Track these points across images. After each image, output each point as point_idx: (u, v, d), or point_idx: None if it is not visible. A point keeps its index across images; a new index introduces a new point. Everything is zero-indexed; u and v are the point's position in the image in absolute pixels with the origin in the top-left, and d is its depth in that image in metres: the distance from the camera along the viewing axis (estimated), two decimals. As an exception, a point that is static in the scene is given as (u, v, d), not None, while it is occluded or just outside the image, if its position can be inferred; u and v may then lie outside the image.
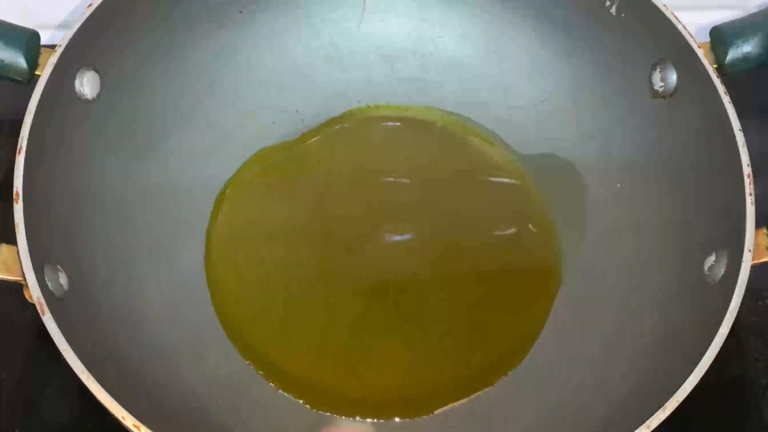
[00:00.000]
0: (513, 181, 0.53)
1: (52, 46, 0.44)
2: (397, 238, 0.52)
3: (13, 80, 0.45)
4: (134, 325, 0.45)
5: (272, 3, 0.53)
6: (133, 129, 0.49)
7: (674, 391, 0.37)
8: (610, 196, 0.52)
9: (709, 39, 0.47)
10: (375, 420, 0.46)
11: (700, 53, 0.45)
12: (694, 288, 0.44)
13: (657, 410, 0.37)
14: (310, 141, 0.54)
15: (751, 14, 0.48)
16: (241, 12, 0.53)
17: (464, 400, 0.47)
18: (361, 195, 0.53)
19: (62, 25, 0.55)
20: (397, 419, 0.46)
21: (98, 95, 0.47)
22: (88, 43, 0.45)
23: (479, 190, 0.53)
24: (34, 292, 0.38)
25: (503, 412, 0.46)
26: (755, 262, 0.40)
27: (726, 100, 0.44)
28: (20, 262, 0.39)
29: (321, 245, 0.51)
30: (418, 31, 0.56)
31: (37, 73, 0.44)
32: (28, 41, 0.44)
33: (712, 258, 0.43)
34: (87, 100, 0.46)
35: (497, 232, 0.52)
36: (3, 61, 0.44)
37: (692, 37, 0.46)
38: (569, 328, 0.49)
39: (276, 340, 0.48)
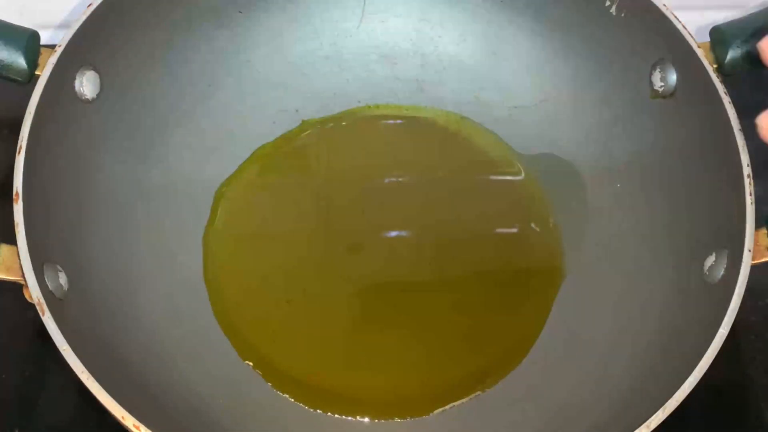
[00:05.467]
0: (513, 180, 0.53)
1: (52, 46, 0.44)
2: (397, 237, 0.52)
3: (13, 80, 0.44)
4: (134, 324, 0.45)
5: (272, 3, 0.53)
6: (133, 129, 0.50)
7: (674, 392, 0.37)
8: (610, 196, 0.52)
9: (709, 39, 0.47)
10: (374, 420, 0.46)
11: (700, 53, 0.45)
12: (694, 288, 0.44)
13: (657, 410, 0.37)
14: (309, 140, 0.54)
15: (751, 14, 0.48)
16: (241, 12, 0.53)
17: (464, 400, 0.47)
18: (361, 194, 0.53)
19: (62, 25, 0.55)
20: (397, 419, 0.46)
21: (98, 95, 0.47)
22: (88, 43, 0.45)
23: (479, 190, 0.53)
24: (34, 292, 0.38)
25: (503, 412, 0.46)
26: (755, 262, 0.40)
27: (726, 100, 0.44)
28: (20, 262, 0.39)
29: (320, 245, 0.51)
30: (418, 31, 0.56)
31: (37, 73, 0.44)
32: (28, 41, 0.44)
33: (712, 258, 0.43)
34: (87, 100, 0.46)
35: (497, 232, 0.52)
36: (3, 61, 0.44)
37: (692, 37, 0.46)
38: (569, 327, 0.49)
39: (275, 339, 0.48)
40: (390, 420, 0.46)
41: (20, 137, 0.41)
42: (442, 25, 0.55)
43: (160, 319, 0.47)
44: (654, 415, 0.37)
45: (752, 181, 0.42)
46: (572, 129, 0.54)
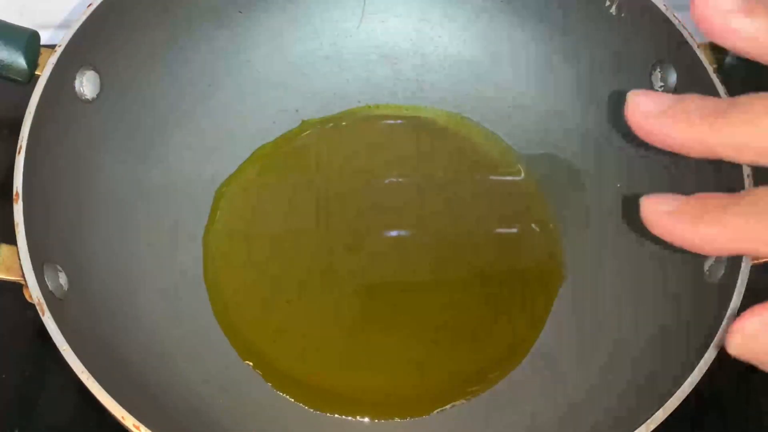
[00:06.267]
0: (513, 180, 0.53)
1: (52, 46, 0.44)
2: (397, 237, 0.52)
3: (13, 80, 0.44)
4: (134, 324, 0.45)
5: (272, 3, 0.53)
6: (133, 129, 0.49)
7: (674, 392, 0.37)
8: (610, 196, 0.51)
9: (709, 39, 0.47)
10: (374, 420, 0.46)
11: (700, 53, 0.45)
12: (694, 288, 0.44)
13: (657, 410, 0.37)
14: (309, 140, 0.54)
15: (752, 14, 0.48)
16: (241, 12, 0.53)
17: (464, 400, 0.47)
18: (361, 194, 0.52)
19: (62, 25, 0.55)
20: (396, 419, 0.46)
21: (98, 95, 0.47)
22: (88, 43, 0.45)
23: (479, 190, 0.53)
24: (34, 292, 0.38)
25: (503, 412, 0.46)
26: (755, 262, 0.40)
27: None
28: (20, 262, 0.38)
29: (320, 245, 0.51)
30: (418, 31, 0.56)
31: (37, 73, 0.44)
32: (28, 41, 0.44)
33: (712, 258, 0.43)
34: (87, 100, 0.46)
35: (497, 232, 0.52)
36: (3, 61, 0.44)
37: (692, 37, 0.46)
38: (569, 328, 0.49)
39: (275, 339, 0.48)
40: (390, 420, 0.46)
41: (20, 137, 0.41)
42: (442, 25, 0.55)
43: (160, 319, 0.47)
44: (653, 416, 0.37)
45: (752, 181, 0.42)
46: (572, 129, 0.54)
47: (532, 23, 0.54)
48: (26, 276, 0.38)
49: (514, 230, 0.52)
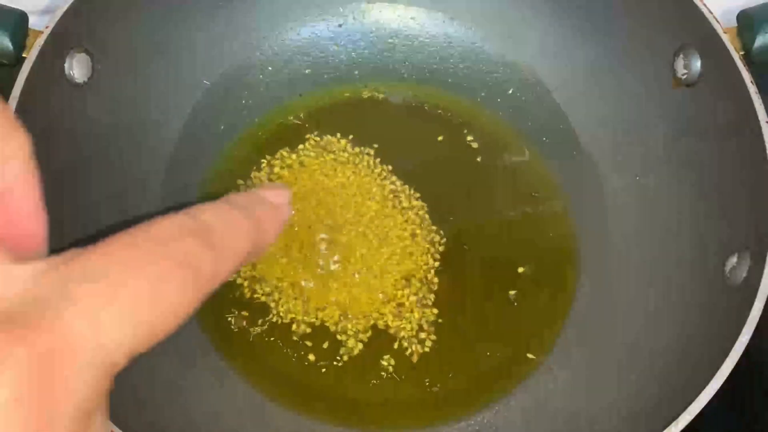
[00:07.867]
0: (526, 170, 0.51)
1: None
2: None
3: (-1, 63, 0.43)
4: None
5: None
6: (127, 115, 0.47)
7: (688, 405, 0.35)
8: (628, 189, 0.49)
9: (736, 24, 0.45)
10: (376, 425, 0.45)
11: (726, 39, 0.43)
12: (714, 290, 0.41)
13: (669, 425, 0.35)
14: (311, 127, 0.52)
15: (782, -2, 0.45)
16: None
17: (472, 407, 0.45)
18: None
19: (47, 10, 0.53)
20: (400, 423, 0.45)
21: (89, 78, 0.45)
22: (79, 23, 0.43)
23: (489, 180, 0.51)
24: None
25: (512, 421, 0.44)
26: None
27: (753, 90, 0.41)
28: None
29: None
30: (428, 14, 0.54)
31: (24, 55, 0.42)
32: (15, 22, 0.43)
33: (734, 259, 0.41)
34: (77, 84, 0.44)
35: (511, 230, 0.49)
36: (-12, 42, 0.42)
37: (717, 21, 0.43)
38: (583, 332, 0.46)
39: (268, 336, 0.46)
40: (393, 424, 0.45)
41: (1, 124, 0.39)
42: (453, 8, 0.54)
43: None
44: (666, 430, 0.35)
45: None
46: (589, 118, 0.51)
47: (550, 8, 0.52)
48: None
49: (529, 224, 0.49)
